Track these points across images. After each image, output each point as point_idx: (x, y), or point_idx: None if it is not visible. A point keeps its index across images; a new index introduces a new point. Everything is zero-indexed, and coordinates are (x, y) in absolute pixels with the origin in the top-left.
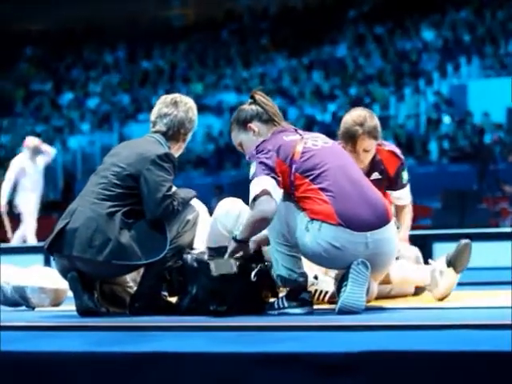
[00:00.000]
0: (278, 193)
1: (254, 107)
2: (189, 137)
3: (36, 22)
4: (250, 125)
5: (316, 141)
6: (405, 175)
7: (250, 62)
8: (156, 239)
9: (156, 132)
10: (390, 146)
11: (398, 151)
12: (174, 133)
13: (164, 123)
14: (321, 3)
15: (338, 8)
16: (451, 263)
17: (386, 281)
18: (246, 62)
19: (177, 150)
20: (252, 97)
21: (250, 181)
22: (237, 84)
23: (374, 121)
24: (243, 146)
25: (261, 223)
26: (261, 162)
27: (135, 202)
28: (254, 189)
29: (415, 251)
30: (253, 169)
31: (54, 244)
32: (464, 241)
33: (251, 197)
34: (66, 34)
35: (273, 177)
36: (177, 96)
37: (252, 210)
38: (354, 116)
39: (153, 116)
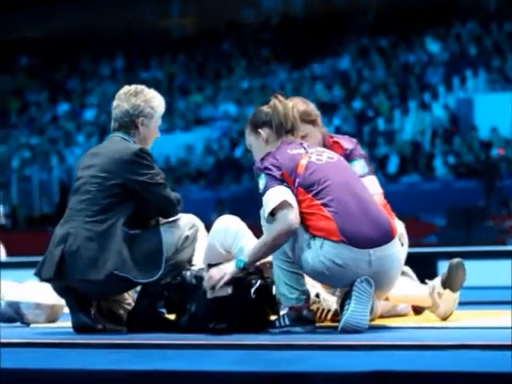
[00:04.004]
0: (295, 201)
1: (270, 111)
2: (147, 123)
3: (31, 31)
4: (260, 130)
5: (321, 155)
6: (358, 165)
7: (251, 74)
8: (152, 258)
9: (114, 130)
10: (341, 137)
11: (344, 141)
12: (125, 124)
13: (113, 118)
14: (323, 14)
15: (341, 19)
16: (446, 285)
17: (384, 297)
18: (246, 73)
19: (141, 142)
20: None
21: (261, 194)
22: (237, 96)
23: (305, 105)
24: (252, 149)
25: (286, 236)
26: (269, 174)
27: (125, 209)
28: (272, 201)
29: (404, 267)
30: (262, 182)
31: (56, 272)
32: (455, 260)
33: (268, 209)
34: (62, 43)
35: (286, 186)
36: (124, 88)
37: (274, 224)
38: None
39: None
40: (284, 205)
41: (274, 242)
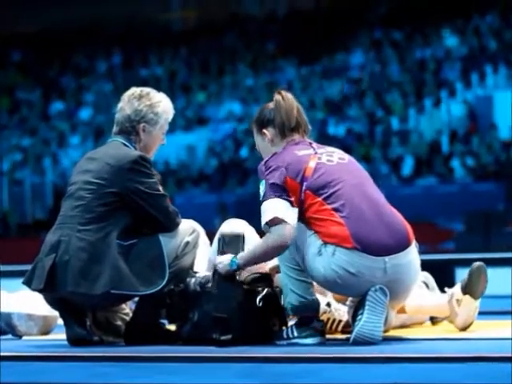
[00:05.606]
0: (292, 215)
1: (273, 109)
2: (149, 130)
3: (23, 25)
4: (264, 130)
5: (331, 156)
6: None
7: (257, 70)
8: (154, 267)
9: (115, 134)
10: None
11: None
12: (126, 129)
13: (115, 122)
14: (333, 6)
15: (353, 11)
16: (466, 290)
17: (400, 310)
18: (252, 69)
19: (143, 149)
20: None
21: (261, 202)
22: (242, 94)
23: None
24: (259, 150)
25: (278, 250)
26: (271, 183)
27: (120, 219)
28: (266, 213)
29: (423, 273)
30: (262, 189)
31: (46, 283)
32: (476, 264)
33: (263, 221)
34: (55, 38)
35: (285, 198)
36: (131, 90)
37: (268, 236)
38: None
39: None
40: (277, 220)
41: (267, 255)
